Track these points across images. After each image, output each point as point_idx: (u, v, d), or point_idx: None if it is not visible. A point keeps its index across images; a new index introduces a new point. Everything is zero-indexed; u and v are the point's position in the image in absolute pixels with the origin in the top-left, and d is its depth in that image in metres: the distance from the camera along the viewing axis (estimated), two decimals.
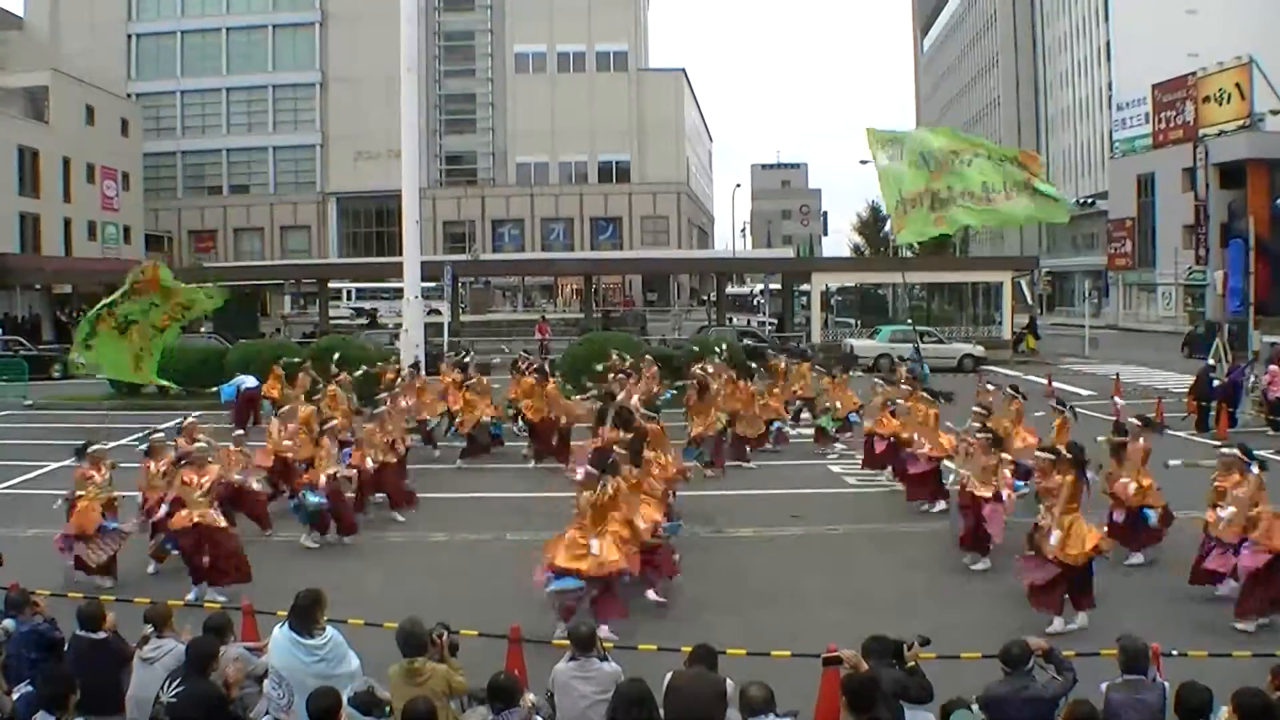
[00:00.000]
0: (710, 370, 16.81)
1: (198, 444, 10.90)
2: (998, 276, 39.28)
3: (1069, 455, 9.31)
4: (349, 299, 54.86)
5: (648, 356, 20.68)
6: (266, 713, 5.83)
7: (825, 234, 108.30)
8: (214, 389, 21.60)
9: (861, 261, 64.39)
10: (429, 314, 28.33)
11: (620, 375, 17.47)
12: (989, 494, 10.73)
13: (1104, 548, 9.06)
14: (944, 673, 6.27)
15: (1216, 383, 20.07)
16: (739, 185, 78.60)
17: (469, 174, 72.83)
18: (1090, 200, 66.34)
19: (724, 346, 22.26)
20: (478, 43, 72.19)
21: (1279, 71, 47.71)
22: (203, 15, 70.20)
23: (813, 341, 35.71)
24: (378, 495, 13.40)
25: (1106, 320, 56.88)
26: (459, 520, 13.18)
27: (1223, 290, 39.19)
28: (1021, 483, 11.66)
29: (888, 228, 64.76)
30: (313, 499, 11.84)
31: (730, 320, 44.67)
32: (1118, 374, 25.60)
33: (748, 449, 16.59)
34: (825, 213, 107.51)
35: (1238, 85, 49.94)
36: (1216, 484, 9.72)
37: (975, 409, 13.16)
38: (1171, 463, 10.78)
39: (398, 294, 28.82)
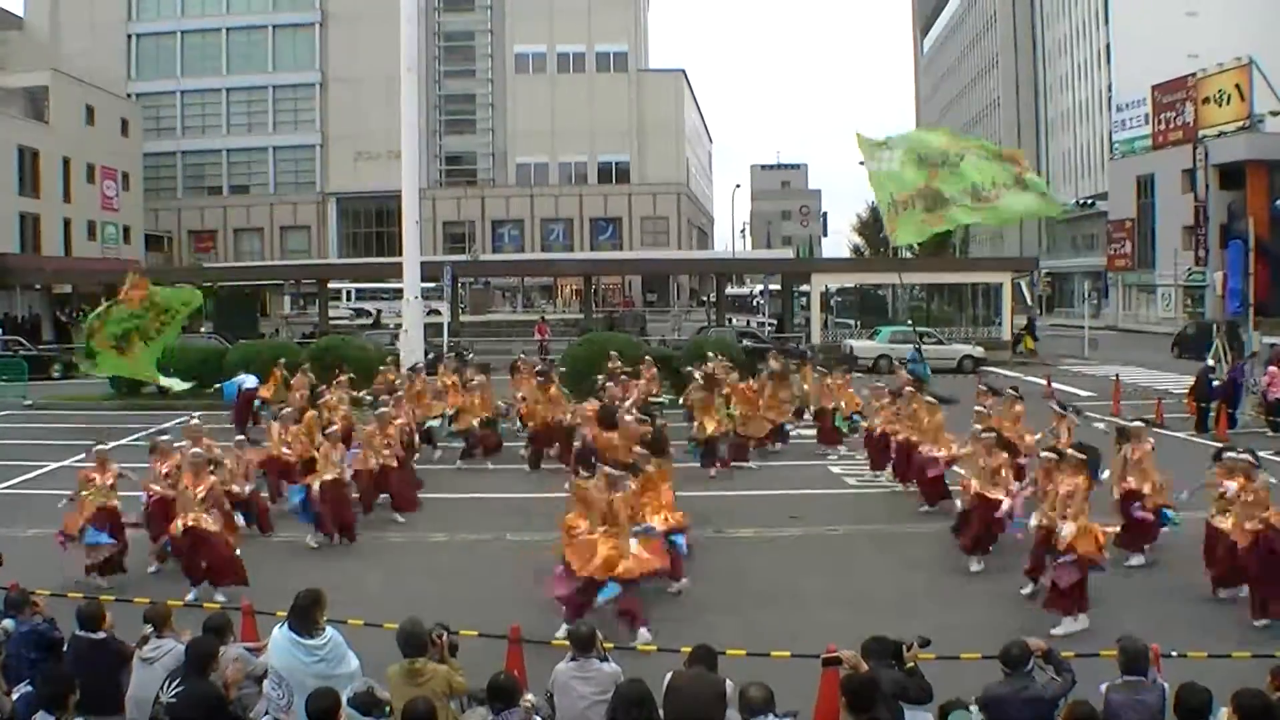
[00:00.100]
0: (715, 370, 16.84)
1: (194, 450, 10.87)
2: (997, 277, 39.27)
3: (1081, 456, 9.33)
4: (349, 299, 54.89)
5: (647, 358, 20.69)
6: (266, 713, 5.82)
7: (825, 235, 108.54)
8: (216, 386, 21.71)
9: (861, 262, 64.37)
10: (429, 314, 28.35)
11: (622, 377, 17.51)
12: (1001, 496, 10.74)
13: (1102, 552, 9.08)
14: (944, 673, 6.27)
15: (1216, 383, 20.09)
16: (739, 186, 78.89)
17: (469, 174, 72.86)
18: (1090, 201, 66.37)
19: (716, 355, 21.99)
20: (478, 43, 72.23)
21: (1278, 72, 47.76)
22: (203, 15, 70.25)
23: (812, 342, 35.70)
24: (381, 495, 13.39)
25: (1106, 321, 56.87)
26: (459, 520, 13.18)
27: (1222, 291, 39.25)
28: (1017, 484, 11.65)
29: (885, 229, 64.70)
30: (294, 499, 11.93)
31: (730, 321, 44.63)
32: (1117, 375, 25.59)
33: (750, 449, 16.60)
34: (825, 213, 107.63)
35: (1237, 86, 49.97)
36: (1211, 485, 9.74)
37: (977, 409, 13.15)
38: (1182, 496, 10.70)
39: (397, 294, 28.84)
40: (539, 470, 16.21)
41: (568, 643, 6.39)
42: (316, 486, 11.77)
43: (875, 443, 15.46)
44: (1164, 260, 53.04)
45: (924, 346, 26.52)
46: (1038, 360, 35.59)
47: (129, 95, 66.78)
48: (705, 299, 61.18)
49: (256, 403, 19.30)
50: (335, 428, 13.12)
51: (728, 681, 5.60)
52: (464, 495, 14.76)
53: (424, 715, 5.02)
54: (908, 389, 15.15)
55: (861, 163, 18.75)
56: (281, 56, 70.82)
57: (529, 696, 5.62)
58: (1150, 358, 35.68)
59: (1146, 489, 10.83)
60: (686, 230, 74.86)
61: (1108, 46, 65.14)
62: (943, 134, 19.53)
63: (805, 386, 18.66)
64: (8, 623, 6.89)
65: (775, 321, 44.08)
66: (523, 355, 22.35)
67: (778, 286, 46.99)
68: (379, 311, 48.56)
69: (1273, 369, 20.01)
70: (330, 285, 45.61)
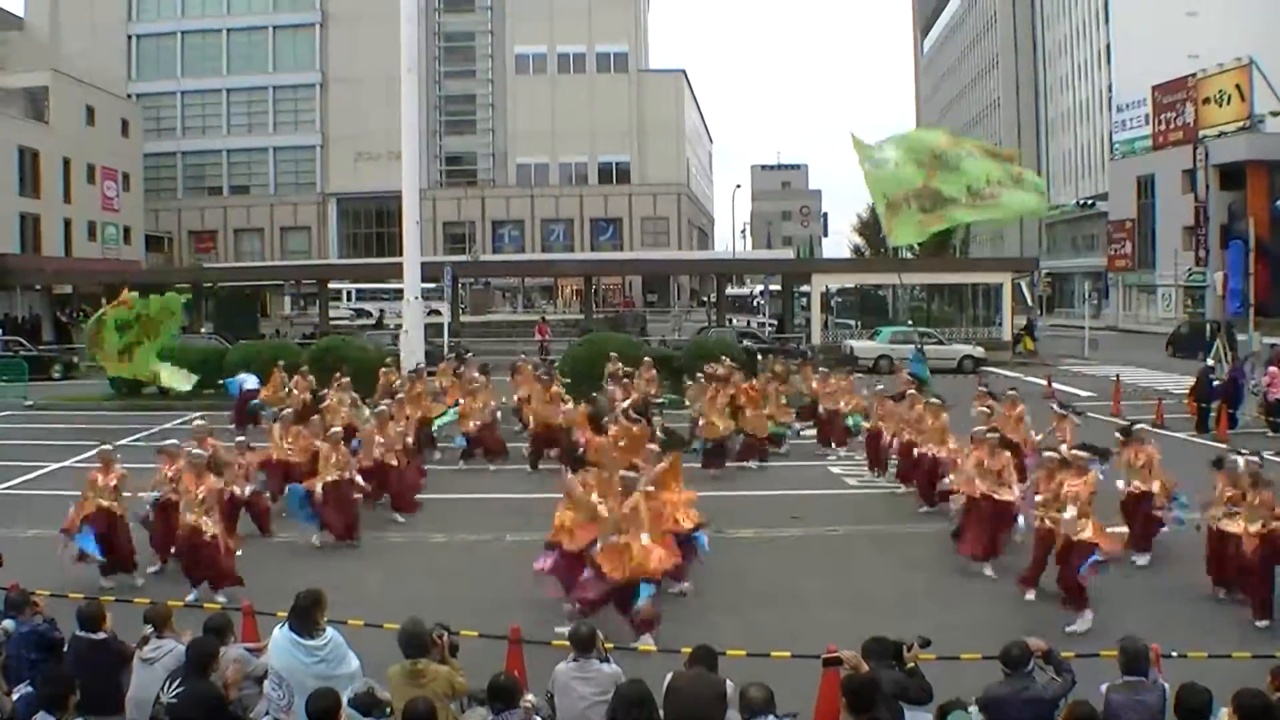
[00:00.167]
0: (720, 370, 16.86)
1: (194, 451, 10.86)
2: (997, 278, 39.29)
3: (1084, 456, 9.30)
4: (349, 300, 54.89)
5: (646, 359, 20.69)
6: (266, 713, 5.82)
7: (825, 235, 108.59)
8: (220, 383, 21.72)
9: (862, 263, 64.31)
10: (429, 315, 28.35)
11: (624, 380, 17.52)
12: (1011, 497, 10.71)
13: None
14: (944, 674, 6.27)
15: (1217, 383, 20.08)
16: (739, 186, 78.75)
17: (469, 175, 72.87)
18: (1090, 202, 66.36)
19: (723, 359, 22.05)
20: (478, 44, 72.24)
21: (1279, 73, 47.76)
22: (203, 16, 70.27)
23: (813, 343, 35.72)
24: (381, 496, 13.39)
25: (1106, 321, 56.88)
26: (459, 521, 13.18)
27: (1223, 291, 39.26)
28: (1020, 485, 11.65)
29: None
30: (292, 500, 11.96)
31: (730, 321, 44.65)
32: (1118, 376, 25.59)
33: (752, 449, 16.61)
34: (825, 214, 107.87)
35: (1238, 87, 49.99)
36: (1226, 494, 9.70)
37: (979, 410, 13.14)
38: (1190, 516, 10.69)
39: (398, 295, 28.83)
40: (539, 471, 16.21)
41: (568, 643, 6.39)
42: (319, 488, 11.77)
43: (876, 443, 15.46)
44: (1164, 261, 53.05)
45: (924, 346, 26.51)
46: (1038, 360, 35.60)
47: (129, 96, 66.78)
48: (706, 299, 61.18)
49: (254, 403, 19.26)
50: (337, 429, 13.11)
51: (728, 682, 5.60)
52: (464, 496, 14.77)
53: (424, 716, 5.01)
54: (910, 391, 15.15)
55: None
56: (282, 57, 70.83)
57: (529, 697, 5.62)
58: (1150, 358, 35.68)
59: (1155, 489, 10.83)
60: (687, 231, 74.86)
61: (1108, 47, 65.16)
62: (941, 134, 19.50)
63: (812, 385, 18.67)
64: (8, 623, 6.89)
65: (776, 322, 44.10)
66: (523, 356, 22.35)
67: (778, 287, 47.01)
68: (381, 312, 48.55)
69: (1273, 369, 20.02)
70: (330, 286, 45.64)
